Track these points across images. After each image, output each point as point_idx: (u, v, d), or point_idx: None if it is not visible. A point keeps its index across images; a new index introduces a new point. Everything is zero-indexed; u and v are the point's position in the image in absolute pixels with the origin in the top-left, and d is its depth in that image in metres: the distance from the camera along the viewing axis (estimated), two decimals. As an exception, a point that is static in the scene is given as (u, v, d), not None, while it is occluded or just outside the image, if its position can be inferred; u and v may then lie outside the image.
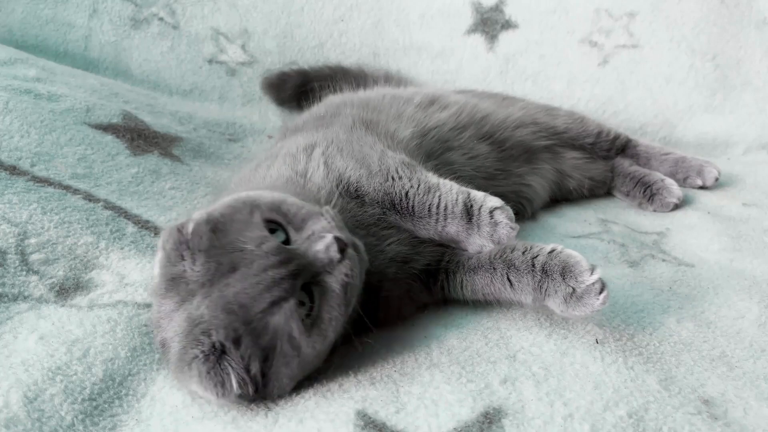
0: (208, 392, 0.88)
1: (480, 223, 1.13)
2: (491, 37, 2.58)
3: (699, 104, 2.44)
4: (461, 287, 1.20)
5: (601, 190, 1.97)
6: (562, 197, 1.90)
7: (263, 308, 0.88)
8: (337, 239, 0.94)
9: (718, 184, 1.96)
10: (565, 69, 2.53)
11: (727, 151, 2.41)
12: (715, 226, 1.63)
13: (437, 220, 1.16)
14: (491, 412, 0.89)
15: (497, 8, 2.57)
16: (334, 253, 0.93)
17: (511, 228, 1.11)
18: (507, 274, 1.12)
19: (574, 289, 1.03)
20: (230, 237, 0.93)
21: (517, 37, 2.56)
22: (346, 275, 0.94)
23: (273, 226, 0.98)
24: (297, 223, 0.99)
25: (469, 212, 1.14)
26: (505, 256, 1.13)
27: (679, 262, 1.41)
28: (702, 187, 1.95)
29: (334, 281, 0.94)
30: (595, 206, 1.88)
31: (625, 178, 1.92)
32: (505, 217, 1.11)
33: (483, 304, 1.22)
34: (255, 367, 0.88)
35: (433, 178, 1.22)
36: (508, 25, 2.57)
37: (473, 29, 2.59)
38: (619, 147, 2.01)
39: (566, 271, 1.05)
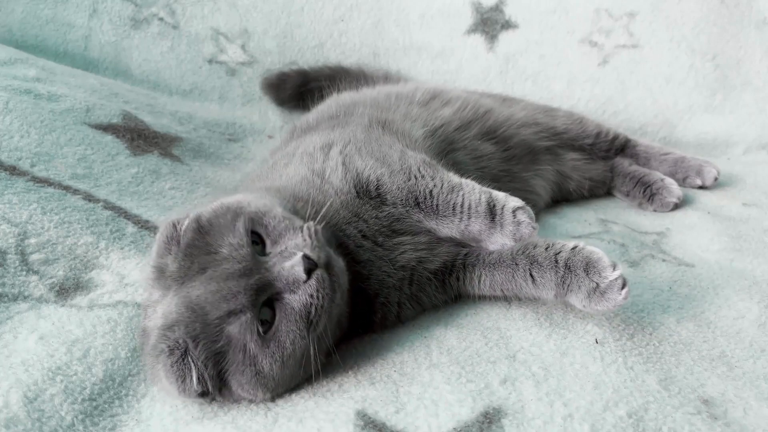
0: (172, 386, 0.92)
1: (503, 222, 1.14)
2: (491, 37, 2.58)
3: (699, 104, 2.44)
4: (479, 282, 1.21)
5: (600, 190, 1.97)
6: (562, 198, 1.90)
7: (220, 315, 0.91)
8: (306, 258, 0.94)
9: (717, 184, 1.96)
10: (565, 69, 2.53)
11: (727, 151, 2.41)
12: (715, 226, 1.63)
13: (461, 218, 1.17)
14: (491, 412, 0.89)
15: (497, 8, 2.57)
16: (300, 272, 0.93)
17: (533, 228, 1.12)
18: (530, 269, 1.13)
19: (597, 284, 1.05)
20: (210, 239, 0.97)
21: (517, 37, 2.56)
22: (311, 296, 0.93)
23: (255, 238, 0.99)
24: (275, 237, 0.99)
25: (492, 211, 1.15)
26: (527, 252, 1.14)
27: (679, 262, 1.41)
28: (701, 187, 1.95)
29: (296, 301, 0.93)
30: (595, 206, 1.88)
31: (624, 178, 1.92)
32: (527, 216, 1.13)
33: (488, 302, 1.22)
34: (212, 368, 0.91)
35: (455, 177, 1.23)
36: (508, 25, 2.57)
37: (473, 29, 2.59)
38: (618, 147, 2.01)
39: (589, 266, 1.06)
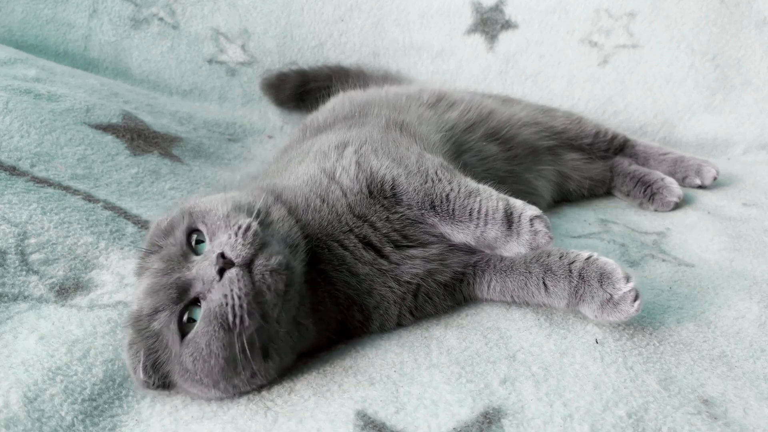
0: (132, 374, 0.98)
1: (520, 230, 1.13)
2: (491, 37, 2.58)
3: (699, 104, 2.44)
4: (488, 288, 1.20)
5: (600, 190, 1.97)
6: (562, 198, 1.90)
7: (148, 312, 0.95)
8: (220, 256, 0.91)
9: (717, 184, 1.96)
10: (565, 69, 2.53)
11: (727, 150, 2.40)
12: (715, 226, 1.63)
13: (477, 225, 1.15)
14: (491, 412, 0.89)
15: (497, 8, 2.57)
16: (210, 271, 0.91)
17: (549, 237, 1.12)
18: (543, 278, 1.12)
19: (611, 295, 1.04)
20: (163, 239, 1.03)
21: (517, 37, 2.56)
22: (224, 295, 0.90)
23: (200, 236, 1.01)
24: (211, 235, 0.99)
25: (509, 219, 1.13)
26: (541, 260, 1.13)
27: (679, 262, 1.41)
28: (700, 187, 1.95)
29: (212, 301, 0.91)
30: (596, 206, 1.88)
31: (624, 178, 1.92)
32: (544, 226, 1.12)
33: (488, 303, 1.22)
34: (151, 361, 0.95)
35: (472, 182, 1.22)
36: (508, 25, 2.57)
37: (473, 29, 2.59)
38: (617, 147, 2.01)
39: (603, 278, 1.06)
